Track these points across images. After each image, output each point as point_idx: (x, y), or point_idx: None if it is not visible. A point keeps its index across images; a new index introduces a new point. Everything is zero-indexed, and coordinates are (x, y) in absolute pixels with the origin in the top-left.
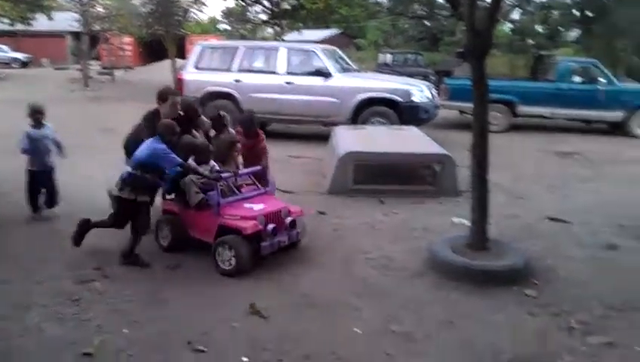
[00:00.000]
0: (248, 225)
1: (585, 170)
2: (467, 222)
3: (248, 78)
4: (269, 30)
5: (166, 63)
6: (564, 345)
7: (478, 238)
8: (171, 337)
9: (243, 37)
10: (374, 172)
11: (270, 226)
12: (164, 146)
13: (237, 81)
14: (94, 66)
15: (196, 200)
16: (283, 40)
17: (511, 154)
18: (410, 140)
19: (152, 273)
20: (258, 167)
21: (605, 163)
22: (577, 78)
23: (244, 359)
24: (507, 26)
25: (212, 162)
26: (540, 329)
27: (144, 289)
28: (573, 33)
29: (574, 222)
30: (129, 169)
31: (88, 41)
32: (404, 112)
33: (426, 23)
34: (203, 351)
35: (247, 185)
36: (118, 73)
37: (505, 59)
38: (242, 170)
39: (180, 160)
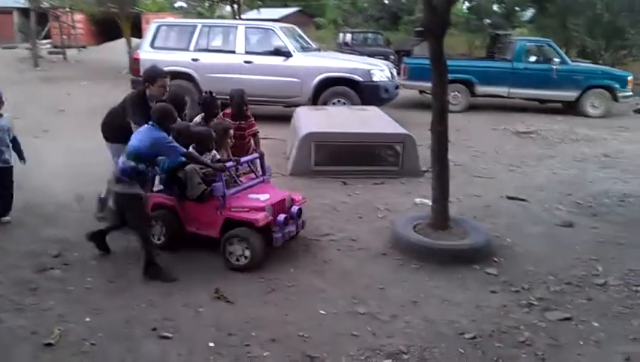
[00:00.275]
0: (260, 217)
1: (541, 148)
2: (429, 202)
3: (206, 58)
4: (227, 9)
5: (121, 42)
6: (524, 321)
7: (440, 218)
8: (135, 324)
9: (200, 15)
10: (336, 153)
11: (281, 217)
12: (165, 135)
13: (195, 60)
14: (45, 45)
15: (198, 191)
16: (241, 18)
17: (470, 133)
18: (371, 120)
19: (114, 260)
20: (256, 155)
21: (560, 142)
22: (533, 58)
23: (211, 344)
24: (465, 5)
25: (213, 151)
26: (501, 306)
27: (105, 276)
28: (529, 13)
29: (532, 201)
30: (125, 161)
31: (36, 19)
32: (364, 92)
33: (385, 1)
34: (168, 338)
35: (244, 173)
36: (70, 53)
37: (463, 39)
38: (244, 158)
39: (185, 149)
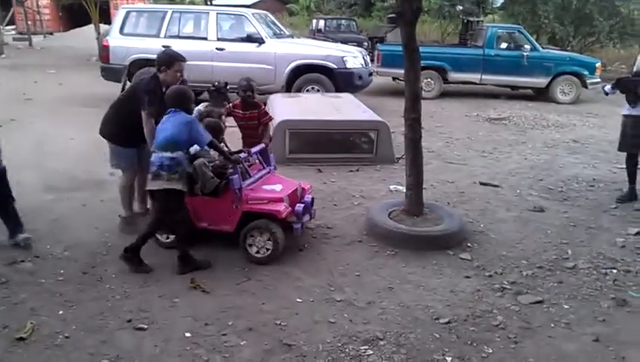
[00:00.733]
0: (281, 208)
1: (513, 135)
2: (404, 189)
3: (177, 45)
4: None
5: (89, 29)
6: (497, 305)
7: (415, 204)
8: (110, 316)
9: (171, 1)
10: (310, 140)
11: (300, 206)
12: (192, 116)
13: (165, 47)
14: (9, 32)
15: (213, 186)
16: (212, 4)
17: (443, 120)
18: (345, 107)
19: (86, 251)
20: (262, 145)
21: (531, 128)
22: (504, 45)
23: (187, 334)
24: None
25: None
26: (475, 291)
27: (78, 268)
28: None
29: (504, 186)
30: (158, 154)
31: None
32: (338, 79)
33: None
34: (144, 329)
35: (250, 164)
36: (36, 39)
37: (436, 25)
38: (254, 149)
39: (210, 136)
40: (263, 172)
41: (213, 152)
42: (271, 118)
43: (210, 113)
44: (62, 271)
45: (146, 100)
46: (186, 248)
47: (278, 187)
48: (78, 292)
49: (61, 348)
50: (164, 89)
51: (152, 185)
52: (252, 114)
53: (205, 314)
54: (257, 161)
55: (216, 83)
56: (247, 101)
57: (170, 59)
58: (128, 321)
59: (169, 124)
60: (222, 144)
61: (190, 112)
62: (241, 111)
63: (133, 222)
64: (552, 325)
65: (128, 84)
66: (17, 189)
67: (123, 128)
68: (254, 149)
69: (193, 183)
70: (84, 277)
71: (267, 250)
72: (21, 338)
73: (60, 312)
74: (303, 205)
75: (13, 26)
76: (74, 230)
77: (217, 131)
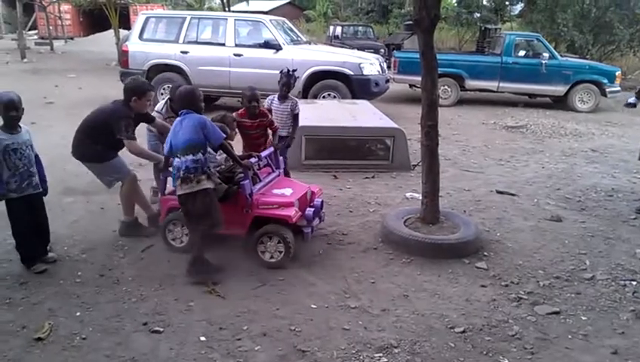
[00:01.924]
0: (292, 213)
1: (530, 143)
2: (419, 196)
3: (196, 50)
4: (217, 0)
5: (109, 34)
6: (513, 315)
7: (430, 212)
8: (126, 319)
9: (189, 7)
10: (326, 146)
11: (310, 211)
12: (205, 117)
13: (184, 52)
14: (31, 37)
15: (221, 191)
16: (230, 11)
17: (460, 128)
18: (361, 114)
19: (103, 253)
20: (272, 149)
21: (549, 136)
22: (522, 53)
23: (202, 338)
24: None
25: None
26: (491, 300)
27: (95, 270)
28: (518, 7)
29: (521, 195)
30: (181, 159)
31: (22, 9)
32: (355, 86)
33: None
34: (159, 332)
35: (259, 168)
36: (57, 44)
37: (453, 33)
38: (263, 153)
39: (224, 135)
40: (273, 175)
41: (219, 157)
42: (277, 127)
43: (223, 118)
44: (79, 273)
45: (122, 127)
46: (202, 252)
47: (288, 191)
48: (95, 294)
49: (78, 349)
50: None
51: (184, 190)
52: (261, 122)
53: (220, 318)
54: (267, 164)
55: (285, 70)
56: (252, 111)
57: (142, 90)
58: (144, 324)
59: (184, 128)
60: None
61: (201, 111)
62: (249, 121)
63: (135, 225)
64: (570, 336)
65: None
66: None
67: (102, 145)
68: (264, 153)
69: None
70: (100, 279)
71: (280, 253)
72: (39, 339)
73: (77, 313)
74: (313, 209)
75: (35, 31)
76: (92, 232)
77: (229, 128)
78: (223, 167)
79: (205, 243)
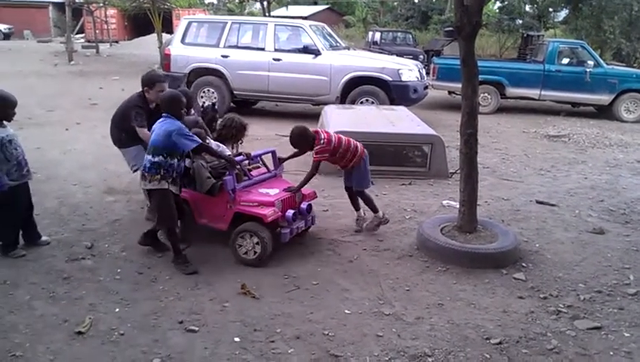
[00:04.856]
0: (268, 212)
1: (572, 153)
2: (457, 205)
3: (236, 55)
4: (257, 5)
5: (152, 38)
6: (552, 328)
7: (468, 221)
8: (162, 316)
9: (230, 11)
10: None
11: (290, 212)
12: (180, 125)
13: (224, 57)
14: (78, 40)
15: (208, 186)
16: (270, 16)
17: (499, 136)
18: (399, 120)
19: (142, 251)
20: (269, 149)
21: (592, 146)
22: (566, 60)
23: (236, 339)
24: (497, 5)
25: (215, 143)
26: (529, 312)
27: (134, 268)
28: (562, 13)
29: (562, 206)
30: (147, 156)
31: (71, 13)
32: (393, 92)
33: (415, 0)
34: (195, 331)
35: (255, 168)
36: (102, 47)
37: (494, 39)
38: (255, 152)
39: (200, 140)
40: (266, 175)
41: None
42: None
43: (242, 121)
44: (119, 270)
45: (133, 115)
46: (176, 245)
47: (273, 191)
48: (134, 291)
49: (116, 344)
50: (153, 105)
51: (142, 185)
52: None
53: (254, 319)
54: (262, 164)
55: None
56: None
57: (151, 81)
58: (180, 322)
59: (157, 130)
60: (232, 148)
61: (179, 116)
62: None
63: None
64: (611, 353)
65: None
66: (83, 190)
67: (125, 132)
68: (255, 153)
69: (195, 182)
70: (139, 277)
71: (255, 252)
72: (80, 332)
73: (117, 310)
74: (292, 211)
75: (82, 35)
76: (132, 231)
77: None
78: (216, 162)
79: (176, 235)
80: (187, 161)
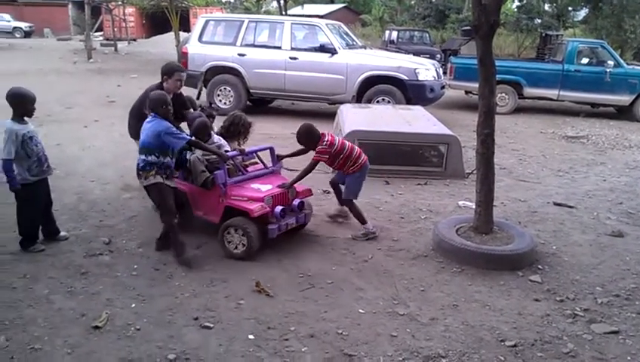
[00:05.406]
0: (255, 207)
1: (591, 154)
2: (473, 205)
3: (253, 53)
4: (274, 4)
5: (170, 36)
6: (568, 332)
7: (484, 222)
8: (178, 313)
9: (247, 10)
10: (379, 151)
11: (278, 208)
12: (168, 125)
13: (241, 55)
14: (97, 38)
15: (202, 179)
16: (287, 14)
17: (517, 136)
18: (415, 120)
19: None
20: (267, 145)
21: (611, 148)
22: (585, 60)
23: (251, 336)
24: (515, 4)
25: (217, 138)
26: (545, 315)
27: (150, 264)
28: (582, 13)
29: (580, 208)
30: (139, 155)
31: (90, 11)
32: (409, 91)
33: None
34: (209, 328)
35: (252, 163)
36: (121, 45)
37: (512, 39)
38: (250, 148)
39: (188, 137)
40: (262, 171)
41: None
42: None
43: (247, 120)
44: (135, 266)
45: (147, 104)
46: (176, 239)
47: (265, 187)
48: (150, 287)
49: (132, 339)
50: (171, 95)
51: (140, 183)
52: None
53: (269, 317)
54: (256, 160)
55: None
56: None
57: (170, 70)
58: (195, 319)
59: (146, 131)
60: (218, 140)
61: (166, 116)
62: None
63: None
64: (629, 358)
65: (204, 90)
66: (101, 186)
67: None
68: (250, 149)
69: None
70: (155, 273)
71: (243, 245)
72: (97, 327)
73: (133, 305)
74: (281, 207)
75: (100, 33)
76: (148, 228)
77: (199, 130)
78: (213, 157)
79: (176, 228)
80: (188, 154)
